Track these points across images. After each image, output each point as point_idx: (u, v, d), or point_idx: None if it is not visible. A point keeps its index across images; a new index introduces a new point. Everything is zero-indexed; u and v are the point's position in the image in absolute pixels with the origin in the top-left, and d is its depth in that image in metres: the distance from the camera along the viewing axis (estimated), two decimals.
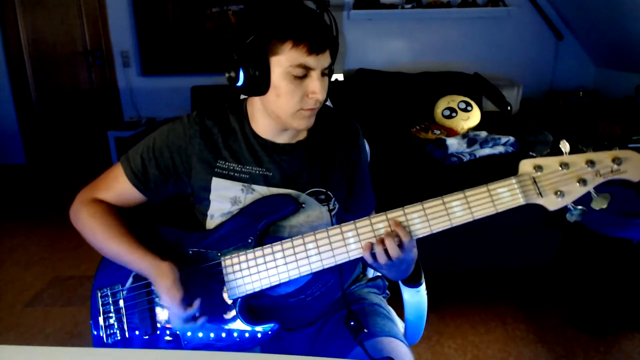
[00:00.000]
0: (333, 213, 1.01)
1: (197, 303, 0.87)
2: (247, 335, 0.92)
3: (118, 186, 0.98)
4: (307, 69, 0.86)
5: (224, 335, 0.92)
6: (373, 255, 0.85)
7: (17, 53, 4.03)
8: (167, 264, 0.87)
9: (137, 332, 0.94)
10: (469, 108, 2.94)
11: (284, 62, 0.85)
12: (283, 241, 0.90)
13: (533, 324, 2.04)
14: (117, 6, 3.88)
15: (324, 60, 0.87)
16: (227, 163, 0.96)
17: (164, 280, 0.86)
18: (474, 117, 2.92)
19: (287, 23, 0.84)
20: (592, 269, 2.10)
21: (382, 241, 0.84)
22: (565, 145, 0.83)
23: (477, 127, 2.88)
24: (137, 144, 1.00)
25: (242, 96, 1.01)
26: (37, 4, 3.96)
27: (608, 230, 1.89)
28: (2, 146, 4.20)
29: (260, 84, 0.86)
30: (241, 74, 0.87)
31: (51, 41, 4.06)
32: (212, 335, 0.92)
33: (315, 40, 0.84)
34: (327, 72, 0.90)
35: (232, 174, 0.96)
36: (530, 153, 0.85)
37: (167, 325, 0.94)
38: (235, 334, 0.92)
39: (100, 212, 0.95)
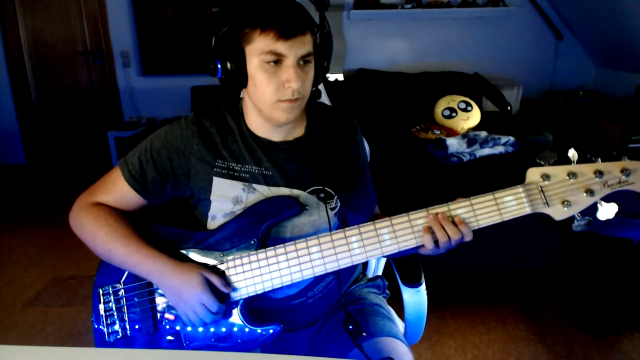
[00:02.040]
0: (335, 211, 1.01)
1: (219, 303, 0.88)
2: (248, 336, 0.92)
3: (117, 189, 0.97)
4: (279, 56, 0.85)
5: (225, 336, 0.92)
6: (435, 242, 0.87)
7: (17, 53, 4.03)
8: (196, 273, 0.88)
9: (139, 331, 0.94)
10: (469, 108, 2.94)
11: (256, 50, 0.85)
12: (286, 244, 0.89)
13: (533, 324, 2.04)
14: (117, 6, 3.88)
15: (298, 47, 0.85)
16: (226, 162, 0.96)
17: (196, 289, 0.86)
18: (474, 117, 2.92)
19: (255, 10, 0.84)
20: (592, 269, 2.10)
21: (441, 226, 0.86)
22: (573, 154, 0.82)
23: (477, 127, 2.88)
24: (135, 147, 0.99)
25: (242, 95, 1.01)
26: (37, 4, 3.96)
27: (608, 231, 1.89)
28: (2, 146, 4.20)
29: (238, 75, 0.87)
30: (218, 65, 0.88)
31: (51, 41, 4.06)
32: (213, 336, 0.92)
33: (284, 26, 0.83)
34: (310, 61, 0.89)
35: (232, 173, 0.96)
36: (538, 161, 0.84)
37: (169, 319, 0.94)
38: (237, 335, 0.92)
39: (103, 214, 0.94)
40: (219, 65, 0.88)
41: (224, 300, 0.89)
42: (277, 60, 0.85)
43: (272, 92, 0.87)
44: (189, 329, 0.92)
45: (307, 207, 0.96)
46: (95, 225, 0.93)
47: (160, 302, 0.94)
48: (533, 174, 0.84)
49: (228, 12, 0.87)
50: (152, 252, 0.90)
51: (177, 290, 0.88)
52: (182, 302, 0.88)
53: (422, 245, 0.90)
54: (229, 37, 0.86)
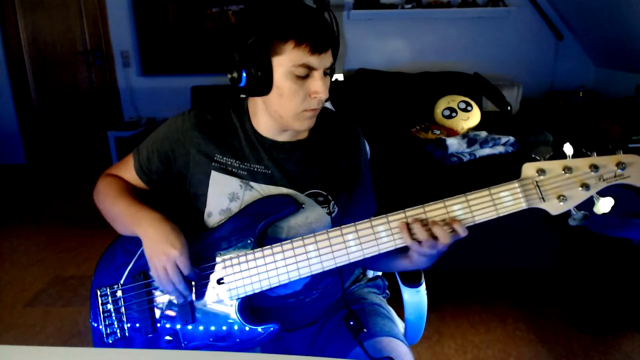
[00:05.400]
0: (332, 216, 1.01)
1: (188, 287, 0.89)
2: (247, 335, 0.92)
3: (128, 175, 1.04)
4: (309, 69, 0.86)
5: (224, 335, 0.92)
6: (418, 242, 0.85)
7: (17, 53, 4.02)
8: (183, 238, 0.89)
9: (137, 332, 0.94)
10: (469, 108, 2.94)
11: (286, 62, 0.85)
12: (283, 242, 0.89)
13: (533, 324, 2.04)
14: (117, 6, 3.88)
15: (326, 59, 0.87)
16: (225, 158, 0.96)
17: (176, 248, 0.86)
18: (474, 117, 2.92)
19: (289, 23, 0.84)
20: (592, 269, 2.10)
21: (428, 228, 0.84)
22: (568, 149, 0.82)
23: (477, 127, 2.88)
24: (147, 137, 1.04)
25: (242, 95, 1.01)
26: (37, 4, 3.96)
27: (608, 231, 1.89)
28: (2, 146, 4.20)
29: (262, 85, 0.87)
30: (243, 74, 0.87)
31: (51, 41, 4.05)
32: (212, 335, 0.92)
33: (318, 40, 0.84)
34: (329, 72, 0.90)
35: (230, 169, 0.96)
36: (534, 156, 0.84)
37: (168, 317, 0.94)
38: (235, 335, 0.92)
39: (115, 181, 1.02)
40: (245, 75, 0.86)
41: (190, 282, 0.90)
42: (307, 72, 0.86)
43: (299, 102, 0.88)
44: (189, 327, 0.92)
45: (303, 205, 0.96)
46: (108, 187, 1.01)
47: (159, 302, 0.94)
48: (528, 169, 0.83)
49: (254, 21, 0.86)
50: (151, 210, 0.93)
51: (158, 240, 0.87)
52: (155, 253, 0.87)
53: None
54: (257, 47, 0.84)
